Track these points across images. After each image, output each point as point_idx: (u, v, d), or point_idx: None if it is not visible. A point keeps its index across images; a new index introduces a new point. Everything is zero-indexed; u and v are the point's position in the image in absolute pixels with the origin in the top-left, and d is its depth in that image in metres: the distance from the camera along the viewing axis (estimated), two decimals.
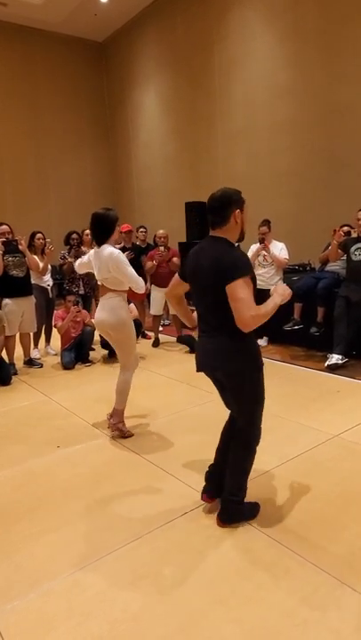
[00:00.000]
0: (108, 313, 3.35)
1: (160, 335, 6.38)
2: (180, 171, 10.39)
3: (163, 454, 3.16)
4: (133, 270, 3.30)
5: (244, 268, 2.09)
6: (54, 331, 5.67)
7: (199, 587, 1.96)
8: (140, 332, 5.98)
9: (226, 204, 2.19)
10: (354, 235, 4.96)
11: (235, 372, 2.23)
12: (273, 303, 2.15)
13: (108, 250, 3.26)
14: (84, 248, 6.26)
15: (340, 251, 5.11)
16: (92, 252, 3.44)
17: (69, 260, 5.99)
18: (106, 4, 10.14)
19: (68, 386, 4.77)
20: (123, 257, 3.28)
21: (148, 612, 1.84)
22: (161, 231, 6.20)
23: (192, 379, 4.70)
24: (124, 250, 6.23)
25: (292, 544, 2.19)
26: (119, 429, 3.49)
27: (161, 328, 6.70)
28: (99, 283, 3.48)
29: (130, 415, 3.87)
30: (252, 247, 5.83)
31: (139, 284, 3.32)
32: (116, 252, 3.27)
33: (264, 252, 5.70)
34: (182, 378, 4.78)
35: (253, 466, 2.37)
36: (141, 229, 7.08)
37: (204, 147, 9.67)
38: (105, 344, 5.66)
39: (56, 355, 5.79)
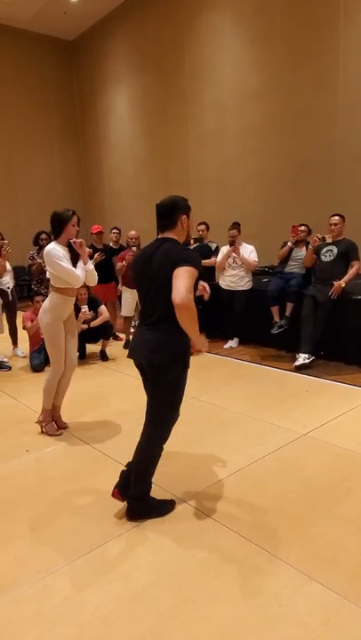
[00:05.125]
0: None
1: (131, 336, 6.35)
2: (150, 172, 10.39)
3: None
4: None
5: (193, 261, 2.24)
6: (24, 333, 5.56)
7: (169, 587, 1.97)
8: (112, 334, 5.94)
9: (173, 209, 2.37)
10: (329, 240, 5.08)
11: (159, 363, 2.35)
12: (195, 333, 2.25)
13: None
14: None
15: (314, 256, 5.22)
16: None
17: (38, 260, 5.90)
18: (76, 2, 10.05)
19: (37, 389, 4.68)
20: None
21: (118, 615, 1.84)
22: (132, 232, 6.19)
23: None
24: (94, 251, 6.22)
25: (261, 541, 2.22)
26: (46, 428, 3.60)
27: (132, 329, 6.68)
28: None
29: (102, 417, 3.85)
30: (222, 249, 5.90)
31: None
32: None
33: (234, 255, 5.77)
34: None
35: (224, 466, 2.38)
36: (114, 230, 7.04)
37: (174, 149, 9.70)
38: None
39: (25, 357, 5.69)
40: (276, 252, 5.74)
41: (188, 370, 2.41)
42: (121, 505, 2.50)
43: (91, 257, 6.14)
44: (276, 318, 5.41)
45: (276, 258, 5.72)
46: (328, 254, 5.08)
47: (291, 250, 5.52)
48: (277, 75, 7.50)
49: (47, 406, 3.59)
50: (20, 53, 11.16)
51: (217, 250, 6.14)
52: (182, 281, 2.13)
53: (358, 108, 6.59)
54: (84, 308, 5.32)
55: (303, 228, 5.51)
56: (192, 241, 6.13)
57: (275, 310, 5.42)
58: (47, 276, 3.65)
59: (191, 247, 6.07)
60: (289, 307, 5.28)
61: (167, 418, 2.41)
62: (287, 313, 5.28)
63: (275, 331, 5.36)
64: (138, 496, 2.43)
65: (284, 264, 5.60)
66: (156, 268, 2.28)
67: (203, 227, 6.28)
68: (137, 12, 9.98)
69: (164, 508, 2.49)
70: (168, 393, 2.37)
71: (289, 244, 5.49)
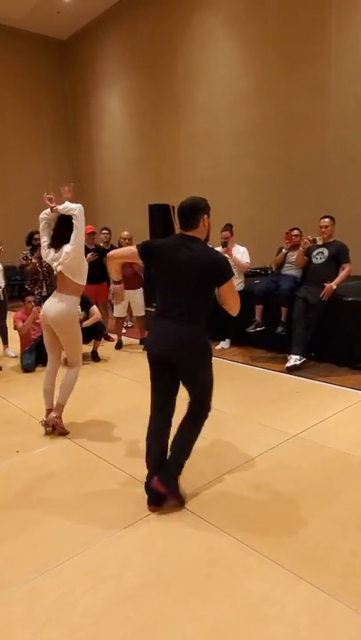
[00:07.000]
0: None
1: (123, 337, 6.35)
2: (143, 173, 10.39)
3: (125, 457, 3.15)
4: None
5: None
6: (15, 333, 5.53)
7: (160, 588, 1.97)
8: (103, 335, 5.92)
9: (195, 210, 2.49)
10: (319, 242, 5.11)
11: (196, 356, 2.52)
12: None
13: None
14: None
15: (305, 257, 5.25)
16: None
17: (33, 260, 5.85)
18: (69, 2, 10.03)
19: (28, 389, 4.67)
20: None
21: (109, 616, 1.83)
22: (125, 232, 6.18)
23: None
24: (87, 251, 6.20)
25: (252, 542, 2.22)
26: (57, 425, 3.53)
27: (124, 330, 6.67)
28: None
29: (94, 417, 3.84)
30: None
31: None
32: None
33: (227, 256, 5.77)
34: (146, 380, 4.75)
35: (216, 467, 2.40)
36: (104, 231, 7.03)
37: (167, 150, 9.71)
38: None
39: (16, 357, 5.66)
40: (269, 253, 5.76)
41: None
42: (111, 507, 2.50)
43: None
44: (257, 317, 5.47)
45: (272, 264, 5.72)
46: (319, 256, 5.12)
47: (285, 255, 5.55)
48: (270, 78, 7.54)
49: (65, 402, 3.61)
50: (12, 52, 11.12)
51: None
52: (234, 298, 2.52)
53: (350, 112, 6.65)
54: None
55: (296, 232, 5.51)
56: None
57: (258, 309, 5.48)
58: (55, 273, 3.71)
59: None
60: (284, 311, 5.29)
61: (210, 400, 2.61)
62: (283, 318, 5.30)
63: (251, 329, 5.46)
64: (174, 475, 2.54)
65: (280, 268, 5.63)
66: (184, 268, 2.39)
67: None
68: (130, 13, 9.98)
69: (182, 497, 2.58)
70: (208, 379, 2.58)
71: (284, 250, 5.51)
